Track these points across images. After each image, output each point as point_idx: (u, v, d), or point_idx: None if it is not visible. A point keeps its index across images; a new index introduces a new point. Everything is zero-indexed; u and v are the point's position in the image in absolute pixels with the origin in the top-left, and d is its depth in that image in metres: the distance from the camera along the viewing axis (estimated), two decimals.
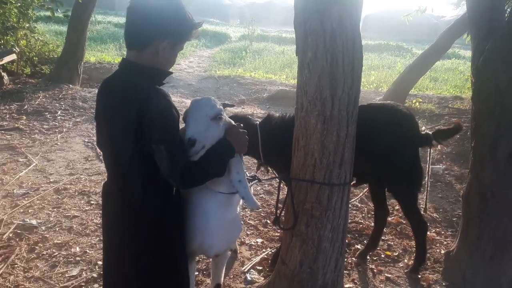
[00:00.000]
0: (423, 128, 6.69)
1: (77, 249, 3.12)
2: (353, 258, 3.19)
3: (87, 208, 3.75)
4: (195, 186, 1.77)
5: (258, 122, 2.84)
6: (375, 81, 11.16)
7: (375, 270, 3.07)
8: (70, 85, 8.06)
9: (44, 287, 2.71)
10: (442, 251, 3.30)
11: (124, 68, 1.66)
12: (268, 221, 3.73)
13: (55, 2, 6.98)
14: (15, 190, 3.99)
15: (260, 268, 3.04)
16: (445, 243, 3.52)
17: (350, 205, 3.33)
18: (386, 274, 3.03)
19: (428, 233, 3.63)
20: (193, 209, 1.87)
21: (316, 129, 2.04)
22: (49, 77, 8.45)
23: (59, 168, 4.62)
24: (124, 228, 1.68)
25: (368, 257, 3.20)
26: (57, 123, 6.14)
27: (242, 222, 3.63)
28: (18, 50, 8.32)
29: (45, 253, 3.05)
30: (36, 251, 3.07)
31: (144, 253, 1.68)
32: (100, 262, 2.91)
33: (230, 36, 20.24)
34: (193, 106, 1.75)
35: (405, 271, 3.06)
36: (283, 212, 2.36)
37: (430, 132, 2.86)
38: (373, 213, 3.31)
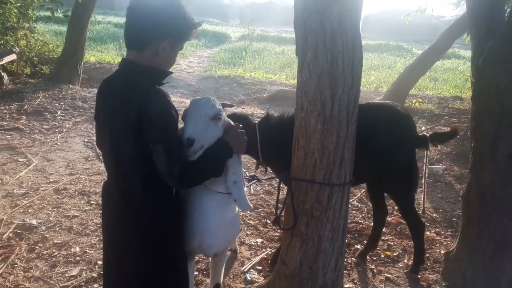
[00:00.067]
0: (423, 128, 6.71)
1: (77, 249, 3.12)
2: (353, 258, 3.19)
3: (87, 208, 3.75)
4: (193, 186, 1.77)
5: (256, 122, 2.84)
6: (375, 81, 11.16)
7: (374, 270, 3.07)
8: (70, 85, 8.06)
9: (44, 287, 2.71)
10: (442, 251, 3.30)
11: (124, 68, 1.66)
12: (268, 221, 3.73)
13: (55, 2, 6.99)
14: (15, 190, 3.99)
15: (260, 268, 3.04)
16: (445, 243, 3.52)
17: (350, 205, 3.33)
18: (385, 274, 3.03)
19: (428, 233, 3.64)
20: (192, 208, 1.87)
21: (316, 129, 2.04)
22: (49, 77, 8.45)
23: (59, 168, 4.62)
24: (124, 228, 1.69)
25: (367, 257, 3.20)
26: (57, 123, 6.14)
27: (241, 222, 3.64)
28: (18, 50, 8.32)
29: (45, 253, 3.05)
30: (36, 251, 3.07)
31: (144, 253, 1.69)
32: (100, 262, 2.91)
33: (230, 36, 20.25)
34: (192, 106, 1.75)
35: (405, 271, 3.06)
36: (283, 212, 2.37)
37: (427, 134, 2.86)
38: (372, 213, 3.31)
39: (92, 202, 3.86)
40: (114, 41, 14.64)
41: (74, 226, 3.43)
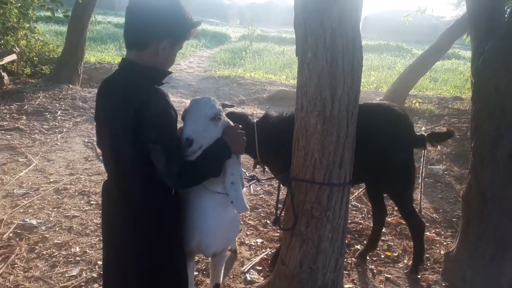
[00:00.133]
0: (423, 128, 6.71)
1: (77, 249, 3.12)
2: (353, 259, 3.19)
3: (87, 208, 3.75)
4: (192, 186, 1.77)
5: (255, 121, 2.84)
6: (375, 82, 11.16)
7: (374, 271, 3.07)
8: (70, 85, 8.06)
9: (44, 287, 2.71)
10: (442, 252, 3.30)
11: (124, 68, 1.66)
12: (268, 222, 3.73)
13: (55, 2, 6.99)
14: (15, 190, 3.99)
15: (260, 268, 3.04)
16: (445, 243, 3.52)
17: (349, 205, 3.33)
18: (385, 275, 3.03)
19: (428, 233, 3.64)
20: (191, 208, 1.87)
21: (316, 129, 2.04)
22: (49, 77, 8.45)
23: (59, 168, 4.62)
24: (124, 228, 1.68)
25: (367, 258, 3.20)
26: (57, 123, 6.14)
27: (241, 222, 3.64)
28: (18, 50, 8.32)
29: (45, 253, 3.05)
30: (36, 251, 3.07)
31: (144, 253, 1.68)
32: (100, 262, 2.91)
33: (230, 36, 20.25)
34: (192, 106, 1.75)
35: (405, 271, 3.06)
36: (283, 212, 2.36)
37: (425, 134, 2.87)
38: (372, 213, 3.31)
39: (92, 202, 3.86)
40: (114, 41, 14.64)
41: (74, 226, 3.43)
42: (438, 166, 5.35)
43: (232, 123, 1.87)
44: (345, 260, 3.07)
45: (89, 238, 3.28)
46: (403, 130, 2.77)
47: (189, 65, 12.95)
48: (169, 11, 1.61)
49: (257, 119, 2.90)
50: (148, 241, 1.68)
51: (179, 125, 1.71)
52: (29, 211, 3.63)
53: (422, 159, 3.04)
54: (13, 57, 7.91)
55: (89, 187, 4.17)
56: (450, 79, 12.22)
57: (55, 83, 7.99)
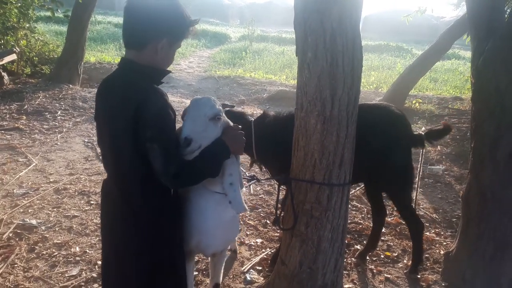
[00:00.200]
0: (423, 129, 6.70)
1: (77, 249, 3.12)
2: (353, 259, 3.19)
3: (87, 208, 3.75)
4: (189, 186, 1.77)
5: (253, 120, 2.85)
6: (375, 82, 11.17)
7: (374, 271, 3.07)
8: (70, 85, 8.06)
9: (44, 287, 2.71)
10: (442, 252, 3.30)
11: (123, 68, 1.66)
12: (268, 222, 3.73)
13: (55, 2, 6.99)
14: (15, 190, 3.99)
15: (260, 268, 3.04)
16: (444, 243, 3.52)
17: (349, 206, 3.33)
18: (385, 275, 3.03)
19: (428, 233, 3.64)
20: (190, 208, 1.86)
21: (316, 130, 2.04)
22: (49, 77, 8.45)
23: (59, 168, 4.62)
24: (123, 228, 1.68)
25: (367, 258, 3.20)
26: (57, 123, 6.14)
27: (241, 222, 3.64)
28: (18, 50, 8.32)
29: (45, 253, 3.05)
30: (36, 251, 3.07)
31: (143, 253, 1.68)
32: (100, 262, 2.91)
33: (230, 36, 20.25)
34: (192, 105, 1.75)
35: (405, 271, 3.06)
36: (283, 212, 2.36)
37: (423, 133, 2.86)
38: (371, 213, 3.31)
39: (92, 202, 3.86)
40: (114, 41, 14.64)
41: (74, 226, 3.43)
42: (438, 166, 5.35)
43: (231, 123, 1.87)
44: (345, 260, 3.07)
45: (89, 238, 3.28)
46: (401, 130, 2.78)
47: (189, 65, 12.95)
48: (168, 10, 1.61)
49: (255, 118, 2.90)
50: (147, 241, 1.68)
51: (178, 125, 1.70)
52: (29, 211, 3.63)
53: (420, 158, 3.04)
54: (13, 57, 7.91)
55: (89, 187, 4.17)
56: (450, 79, 12.22)
57: (55, 83, 8.00)
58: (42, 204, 3.75)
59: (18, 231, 3.29)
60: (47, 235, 3.26)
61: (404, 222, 3.53)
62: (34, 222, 3.42)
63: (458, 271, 2.86)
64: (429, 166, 5.35)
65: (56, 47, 9.83)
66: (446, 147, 6.03)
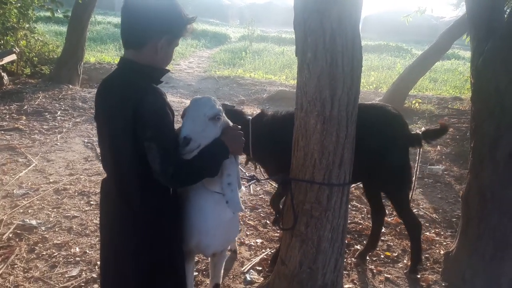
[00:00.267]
0: (423, 129, 6.70)
1: (77, 249, 3.12)
2: (353, 259, 3.19)
3: (86, 209, 3.75)
4: (187, 185, 1.77)
5: (250, 118, 2.86)
6: (375, 82, 11.17)
7: (374, 271, 3.08)
8: (70, 86, 8.06)
9: (43, 287, 2.70)
10: (442, 252, 3.30)
11: (122, 67, 1.66)
12: (268, 222, 3.73)
13: (55, 2, 6.98)
14: (15, 191, 3.98)
15: (260, 268, 3.04)
16: (444, 243, 3.52)
17: (349, 206, 3.33)
18: (385, 275, 3.03)
19: (428, 233, 3.64)
20: (190, 208, 1.86)
21: (316, 130, 2.04)
22: (49, 78, 8.45)
23: (58, 168, 4.62)
24: (122, 227, 1.68)
25: (367, 258, 3.20)
26: (56, 124, 6.14)
27: (241, 222, 3.64)
28: (18, 50, 8.32)
29: (44, 253, 3.05)
30: (36, 251, 3.07)
31: (142, 252, 1.68)
32: (100, 262, 2.91)
33: (229, 36, 20.25)
34: (192, 105, 1.75)
35: (405, 271, 3.06)
36: (283, 212, 2.36)
37: (420, 132, 2.86)
38: (370, 213, 3.31)
39: (92, 202, 3.86)
40: (114, 42, 14.64)
41: (74, 226, 3.43)
42: (437, 166, 5.35)
43: (231, 123, 1.87)
44: (345, 260, 3.07)
45: (89, 238, 3.28)
46: (397, 130, 2.78)
47: (189, 65, 12.95)
48: (165, 9, 1.61)
49: (253, 116, 2.91)
50: (146, 241, 1.68)
51: (177, 125, 1.70)
52: (29, 211, 3.63)
53: (417, 158, 3.03)
54: (12, 57, 7.91)
55: (89, 187, 4.17)
56: (449, 79, 12.22)
57: (55, 83, 8.00)
58: (42, 205, 3.75)
59: (18, 231, 3.29)
60: (47, 236, 3.26)
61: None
62: (34, 222, 3.42)
63: (458, 271, 2.86)
64: (429, 166, 5.35)
65: (56, 48, 9.83)
66: (446, 147, 6.04)
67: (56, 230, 3.37)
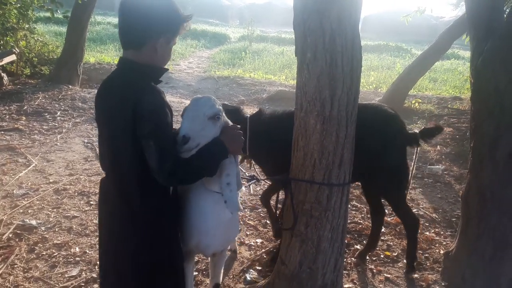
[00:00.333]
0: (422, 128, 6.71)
1: (77, 249, 3.12)
2: (353, 258, 3.19)
3: (86, 209, 3.75)
4: (184, 184, 1.77)
5: (248, 116, 2.86)
6: (375, 82, 11.17)
7: (374, 270, 3.08)
8: (70, 86, 8.06)
9: (43, 287, 2.71)
10: (441, 251, 3.31)
11: (122, 67, 1.66)
12: (268, 222, 3.73)
13: (54, 3, 6.98)
14: (14, 191, 3.98)
15: (260, 268, 3.04)
16: (444, 243, 3.52)
17: (349, 206, 3.33)
18: (385, 274, 3.03)
19: (428, 233, 3.64)
20: (190, 208, 1.87)
21: (316, 130, 2.04)
22: (48, 78, 8.44)
23: (58, 168, 4.62)
24: (122, 228, 1.68)
25: (367, 257, 3.20)
26: (56, 124, 6.14)
27: (241, 222, 3.65)
28: (18, 51, 8.31)
29: (44, 253, 3.05)
30: (35, 251, 3.07)
31: (141, 252, 1.68)
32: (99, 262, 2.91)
33: (229, 36, 20.25)
34: (192, 104, 1.75)
35: (404, 271, 3.06)
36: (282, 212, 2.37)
37: (417, 131, 2.87)
38: (370, 214, 3.31)
39: (91, 202, 3.86)
40: (114, 42, 14.62)
41: (74, 226, 3.43)
42: (437, 166, 5.35)
43: (231, 123, 1.87)
44: (345, 260, 3.07)
45: (89, 238, 3.28)
46: (394, 130, 2.78)
47: (189, 65, 12.95)
48: (163, 8, 1.62)
49: (251, 114, 2.92)
50: (146, 241, 1.68)
51: (177, 125, 1.71)
52: (29, 211, 3.63)
53: (414, 157, 3.03)
54: (12, 57, 7.91)
55: (89, 187, 4.17)
56: (449, 79, 12.22)
57: (55, 84, 8.00)
58: (42, 205, 3.75)
59: (18, 231, 3.29)
60: (47, 236, 3.26)
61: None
62: (34, 222, 3.42)
63: (458, 271, 2.86)
64: (428, 166, 5.36)
65: (56, 48, 9.82)
66: (446, 147, 6.04)
67: (56, 230, 3.37)
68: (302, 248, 2.19)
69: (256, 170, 3.13)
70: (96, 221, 3.51)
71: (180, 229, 1.88)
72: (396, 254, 3.31)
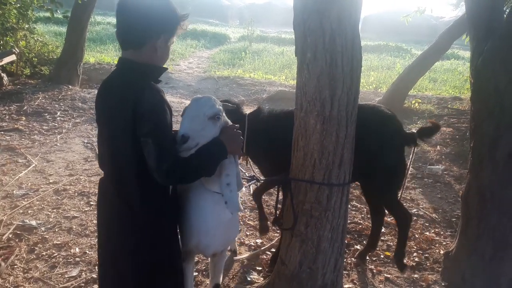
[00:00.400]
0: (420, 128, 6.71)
1: (77, 249, 3.12)
2: (353, 259, 3.19)
3: (86, 209, 3.75)
4: (182, 183, 1.77)
5: (247, 113, 2.86)
6: (375, 82, 11.17)
7: (374, 271, 3.08)
8: (70, 86, 8.06)
9: (43, 287, 2.70)
10: (441, 252, 3.31)
11: (122, 67, 1.66)
12: (268, 222, 3.72)
13: (54, 3, 6.98)
14: (14, 191, 3.98)
15: (260, 268, 3.04)
16: (444, 243, 3.52)
17: (349, 206, 3.33)
18: (385, 275, 3.03)
19: (427, 233, 3.64)
20: (189, 208, 1.87)
21: (316, 130, 2.04)
22: (48, 78, 8.44)
23: (58, 169, 4.62)
24: (121, 227, 1.68)
25: (367, 258, 3.20)
26: (56, 124, 6.14)
27: (241, 222, 3.64)
28: (18, 51, 8.31)
29: (44, 253, 3.05)
30: (35, 251, 3.07)
31: (141, 252, 1.68)
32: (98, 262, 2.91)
33: (229, 37, 20.25)
34: (192, 104, 1.76)
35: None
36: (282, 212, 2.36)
37: (415, 131, 2.87)
38: (370, 214, 3.31)
39: (91, 203, 3.86)
40: (114, 42, 14.61)
41: (74, 227, 3.43)
42: (437, 166, 5.35)
43: (231, 123, 1.87)
44: (345, 260, 3.07)
45: (89, 238, 3.28)
46: (391, 130, 2.78)
47: (189, 65, 12.95)
48: (161, 8, 1.62)
49: (249, 112, 2.92)
50: (146, 241, 1.68)
51: (177, 125, 1.71)
52: (29, 212, 3.63)
53: (411, 156, 3.03)
54: (12, 58, 7.90)
55: (89, 188, 4.17)
56: (449, 79, 12.23)
57: (55, 84, 7.99)
58: (42, 205, 3.75)
59: (18, 232, 3.29)
60: (47, 236, 3.26)
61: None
62: (33, 223, 3.42)
63: (458, 271, 2.86)
64: (428, 166, 5.36)
65: (56, 48, 9.82)
66: (446, 147, 6.04)
67: (56, 230, 3.37)
68: (302, 248, 2.19)
69: (253, 168, 3.12)
70: (96, 222, 3.50)
71: (180, 229, 1.88)
72: None
